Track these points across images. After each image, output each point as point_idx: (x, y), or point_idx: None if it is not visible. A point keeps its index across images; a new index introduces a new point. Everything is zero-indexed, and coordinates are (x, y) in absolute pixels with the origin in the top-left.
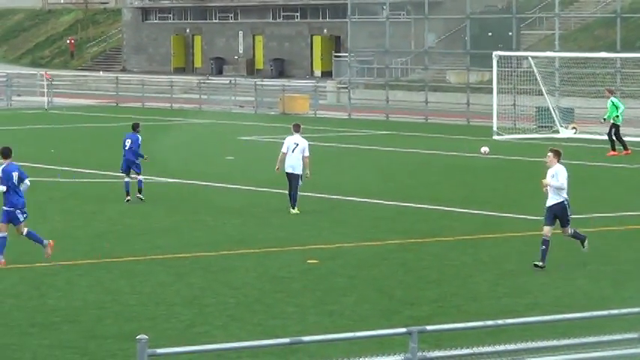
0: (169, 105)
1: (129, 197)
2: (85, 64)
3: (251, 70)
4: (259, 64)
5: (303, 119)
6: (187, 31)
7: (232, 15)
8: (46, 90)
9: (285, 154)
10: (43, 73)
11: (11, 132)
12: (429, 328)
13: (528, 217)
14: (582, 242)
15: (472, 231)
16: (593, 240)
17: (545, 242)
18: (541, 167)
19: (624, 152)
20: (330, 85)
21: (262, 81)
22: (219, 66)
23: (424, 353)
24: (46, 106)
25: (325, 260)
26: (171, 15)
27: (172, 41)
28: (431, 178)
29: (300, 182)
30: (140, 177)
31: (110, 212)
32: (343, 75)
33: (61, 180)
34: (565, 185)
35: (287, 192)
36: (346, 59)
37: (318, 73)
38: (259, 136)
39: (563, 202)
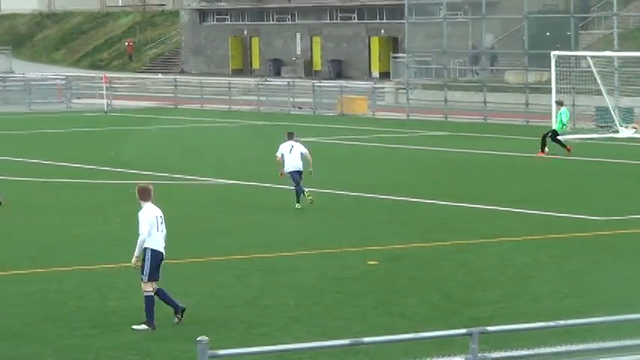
0: (228, 107)
1: None
2: (143, 66)
3: (309, 72)
4: (317, 65)
5: (361, 120)
6: (245, 32)
7: (290, 16)
8: (105, 92)
9: (280, 159)
10: (102, 75)
11: (71, 134)
12: (489, 328)
13: (589, 217)
14: None
15: (532, 231)
16: None
17: None
18: (602, 167)
19: (540, 153)
20: (388, 86)
21: (320, 82)
22: (277, 67)
23: (485, 354)
24: (105, 109)
25: (385, 261)
26: (228, 16)
27: (230, 43)
28: (490, 179)
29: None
30: None
31: (170, 215)
32: (401, 76)
33: (119, 182)
34: None
35: (294, 188)
36: (404, 60)
37: (375, 74)
38: (318, 138)
39: None
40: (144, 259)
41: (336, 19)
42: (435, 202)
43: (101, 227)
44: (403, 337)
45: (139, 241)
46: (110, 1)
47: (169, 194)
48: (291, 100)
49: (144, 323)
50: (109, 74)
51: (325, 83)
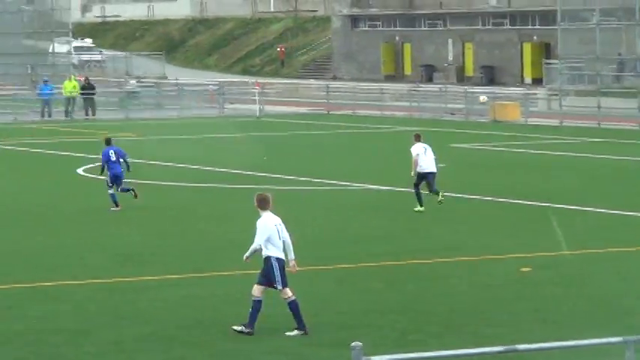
0: (380, 112)
1: None
2: (295, 72)
3: (461, 78)
4: (469, 71)
5: (514, 127)
6: (397, 38)
7: (441, 22)
8: (257, 98)
9: (417, 160)
10: (254, 81)
11: (224, 139)
12: None
13: None
14: None
15: None
16: None
17: None
18: None
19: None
20: (541, 92)
21: (472, 88)
22: (429, 73)
23: None
24: (257, 114)
25: (538, 268)
26: (380, 23)
27: (382, 49)
28: None
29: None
30: None
31: (322, 220)
32: (554, 82)
33: (274, 187)
34: None
35: (414, 191)
36: (557, 66)
37: (528, 80)
38: (470, 144)
39: None
40: (272, 268)
41: (488, 25)
42: (591, 209)
43: (250, 232)
44: (557, 344)
45: (252, 247)
46: (262, 7)
47: (322, 200)
48: (444, 106)
49: (244, 326)
50: (261, 80)
51: (477, 89)
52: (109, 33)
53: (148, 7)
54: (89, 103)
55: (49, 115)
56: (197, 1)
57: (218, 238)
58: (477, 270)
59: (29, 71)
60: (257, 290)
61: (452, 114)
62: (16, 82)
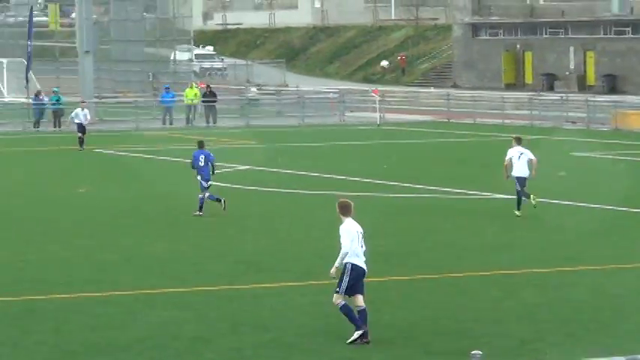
0: (500, 121)
1: None
2: (415, 80)
3: (582, 86)
4: (590, 79)
5: (637, 135)
6: (518, 47)
7: (563, 30)
8: (377, 106)
9: (508, 164)
10: (373, 89)
11: (344, 147)
12: None
13: None
14: None
15: None
16: None
17: None
18: None
19: None
20: None
21: (594, 97)
22: (550, 82)
23: None
24: (378, 122)
25: None
26: (501, 31)
27: (503, 57)
28: None
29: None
30: None
31: (442, 228)
32: None
33: (391, 195)
34: None
35: (516, 196)
36: None
37: None
38: (591, 153)
39: None
40: (344, 273)
41: (610, 34)
42: None
43: (373, 240)
44: None
45: (341, 253)
46: (383, 15)
47: (437, 208)
48: (565, 114)
49: (356, 332)
50: (381, 88)
51: (599, 98)
52: (230, 41)
53: (270, 15)
54: (210, 111)
55: (170, 123)
56: (318, 9)
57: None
58: (599, 279)
59: (150, 79)
60: (337, 297)
61: (573, 122)
62: (137, 90)
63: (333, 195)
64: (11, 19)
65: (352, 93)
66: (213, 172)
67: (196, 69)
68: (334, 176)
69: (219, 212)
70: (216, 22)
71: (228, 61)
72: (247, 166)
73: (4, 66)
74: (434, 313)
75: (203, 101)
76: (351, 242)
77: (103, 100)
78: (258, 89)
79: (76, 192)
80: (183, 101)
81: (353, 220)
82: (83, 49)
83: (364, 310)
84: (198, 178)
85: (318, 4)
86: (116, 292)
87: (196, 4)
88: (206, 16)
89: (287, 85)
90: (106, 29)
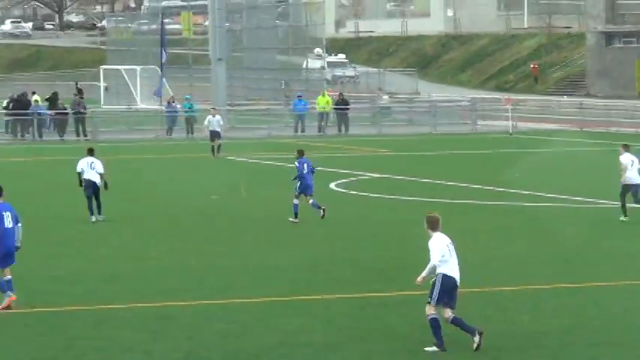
0: (634, 130)
1: None
2: (548, 89)
3: None
4: None
5: None
6: None
7: None
8: (510, 114)
9: (624, 170)
10: (505, 98)
11: (476, 156)
12: None
13: None
14: None
15: None
16: None
17: None
18: None
19: None
20: None
21: None
22: None
23: None
24: (510, 131)
25: None
26: (635, 39)
27: (637, 65)
28: None
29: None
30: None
31: (572, 236)
32: None
33: (523, 204)
34: None
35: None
36: None
37: None
38: None
39: None
40: (434, 284)
41: None
42: None
43: (506, 249)
44: None
45: (429, 266)
46: (515, 24)
47: (573, 216)
48: None
49: (435, 345)
50: (513, 96)
51: None
52: (362, 49)
53: (402, 23)
54: (342, 119)
55: (302, 131)
56: (451, 18)
57: (467, 255)
58: None
59: (283, 86)
60: (429, 308)
61: None
62: (269, 97)
63: (465, 204)
64: (145, 27)
65: (484, 101)
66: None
67: (328, 77)
68: (468, 185)
69: (348, 218)
70: (348, 30)
71: (361, 69)
72: (379, 174)
73: (138, 73)
74: (565, 322)
75: (335, 109)
76: (442, 257)
77: (235, 108)
78: (389, 97)
79: (209, 199)
80: (315, 109)
81: (441, 234)
82: (216, 56)
83: (453, 319)
84: (298, 185)
85: (450, 13)
86: (247, 300)
87: (329, 12)
88: (338, 24)
89: (419, 94)
90: (238, 37)
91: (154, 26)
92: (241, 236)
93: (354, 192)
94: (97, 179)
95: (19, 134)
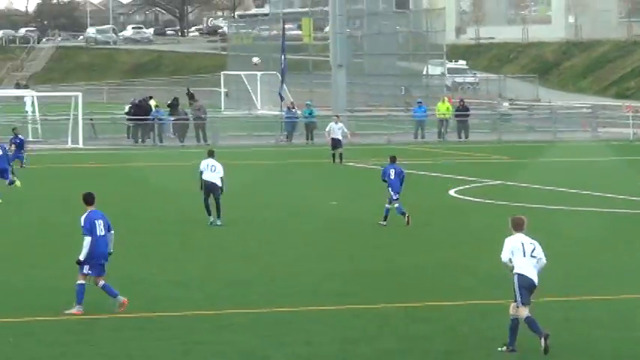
0: None
1: None
2: None
3: None
4: None
5: None
6: None
7: None
8: (631, 122)
9: None
10: (625, 105)
11: (595, 163)
12: None
13: None
14: None
15: None
16: None
17: None
18: None
19: None
20: None
21: None
22: None
23: None
24: (631, 138)
25: None
26: None
27: None
28: None
29: None
30: None
31: None
32: None
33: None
34: None
35: None
36: None
37: None
38: None
39: None
40: (513, 284)
41: None
42: None
43: (625, 258)
44: None
45: (502, 260)
46: (638, 30)
47: None
48: None
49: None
50: (635, 104)
51: None
52: (482, 55)
53: (522, 29)
54: (462, 125)
55: (422, 137)
56: (572, 24)
57: (599, 261)
58: None
59: (403, 92)
60: (520, 311)
61: None
62: (390, 104)
63: (590, 211)
64: (265, 33)
65: (605, 108)
66: (401, 183)
67: (448, 83)
68: (589, 193)
69: (468, 225)
70: (469, 37)
71: (481, 75)
72: (498, 181)
73: (258, 79)
74: None
75: (455, 115)
76: (511, 253)
77: (355, 114)
78: (510, 104)
79: (329, 205)
80: (435, 115)
81: (522, 235)
82: (336, 62)
83: (527, 318)
84: (389, 189)
85: (572, 19)
86: (365, 306)
87: (449, 19)
88: (459, 30)
89: (539, 100)
90: (359, 43)
91: (274, 32)
92: (360, 242)
93: (474, 199)
94: (217, 181)
95: (139, 139)
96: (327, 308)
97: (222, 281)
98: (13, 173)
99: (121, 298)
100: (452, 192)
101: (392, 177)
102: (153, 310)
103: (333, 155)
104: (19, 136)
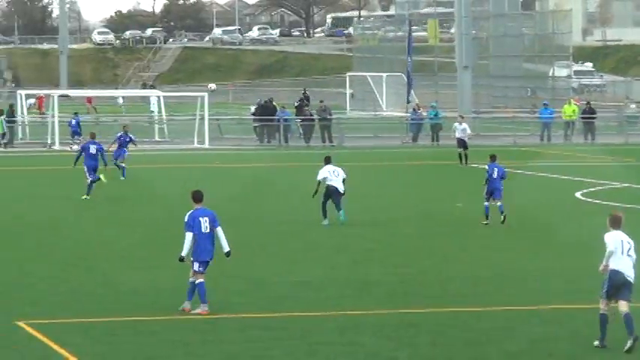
0: None
1: None
2: None
3: None
4: None
5: None
6: None
7: None
8: None
9: None
10: None
11: None
12: None
13: None
14: None
15: None
16: None
17: None
18: None
19: None
20: None
21: None
22: None
23: None
24: None
25: None
26: None
27: None
28: None
29: None
30: None
31: None
32: None
33: None
34: None
35: None
36: None
37: None
38: None
39: None
40: (605, 279)
41: None
42: None
43: None
44: None
45: (606, 253)
46: None
47: None
48: None
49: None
50: None
51: None
52: (609, 57)
53: None
54: (589, 128)
55: (549, 139)
56: None
57: None
58: None
59: (529, 94)
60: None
61: None
62: (515, 105)
63: None
64: (391, 34)
65: None
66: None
67: (575, 85)
68: None
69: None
70: (595, 39)
71: (607, 77)
72: (626, 184)
73: (384, 80)
74: None
75: (582, 118)
76: (613, 251)
77: (480, 115)
78: (637, 106)
79: (454, 207)
80: (561, 117)
81: (620, 232)
82: (462, 64)
83: (627, 315)
84: (486, 188)
85: None
86: (490, 308)
87: (576, 20)
88: (585, 32)
89: None
90: (484, 45)
91: (399, 33)
92: (483, 244)
93: (601, 201)
94: (340, 186)
95: (265, 140)
96: (452, 310)
97: (346, 282)
98: (105, 166)
99: (206, 308)
100: (578, 194)
101: (494, 176)
102: (277, 310)
103: (460, 155)
104: (129, 134)
